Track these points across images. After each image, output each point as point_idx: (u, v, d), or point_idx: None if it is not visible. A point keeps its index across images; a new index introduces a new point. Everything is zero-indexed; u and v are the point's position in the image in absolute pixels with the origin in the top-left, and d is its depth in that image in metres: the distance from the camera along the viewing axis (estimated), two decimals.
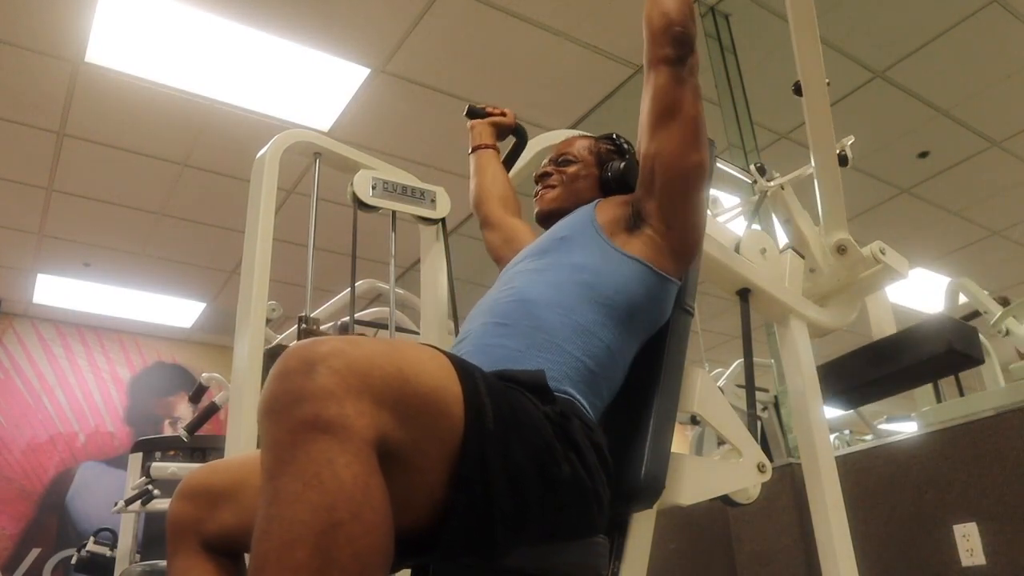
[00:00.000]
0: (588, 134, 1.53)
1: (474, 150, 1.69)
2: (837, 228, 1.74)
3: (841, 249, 1.72)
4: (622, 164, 1.40)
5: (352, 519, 0.66)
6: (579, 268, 1.17)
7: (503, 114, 1.73)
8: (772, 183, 1.81)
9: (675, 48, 1.19)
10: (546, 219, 1.41)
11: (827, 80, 1.62)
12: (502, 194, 1.60)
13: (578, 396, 1.06)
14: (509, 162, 1.74)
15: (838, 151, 1.72)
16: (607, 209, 1.28)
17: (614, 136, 1.49)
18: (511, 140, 1.76)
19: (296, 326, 1.69)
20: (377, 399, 0.72)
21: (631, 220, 1.23)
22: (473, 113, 1.72)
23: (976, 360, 1.72)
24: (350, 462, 0.67)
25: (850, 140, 1.77)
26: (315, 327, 1.71)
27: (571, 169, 1.42)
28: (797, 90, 1.64)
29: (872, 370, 1.79)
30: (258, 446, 0.73)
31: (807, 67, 1.61)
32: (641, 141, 1.24)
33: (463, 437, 0.80)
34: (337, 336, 0.78)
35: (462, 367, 0.84)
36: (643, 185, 1.23)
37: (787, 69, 1.56)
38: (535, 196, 1.46)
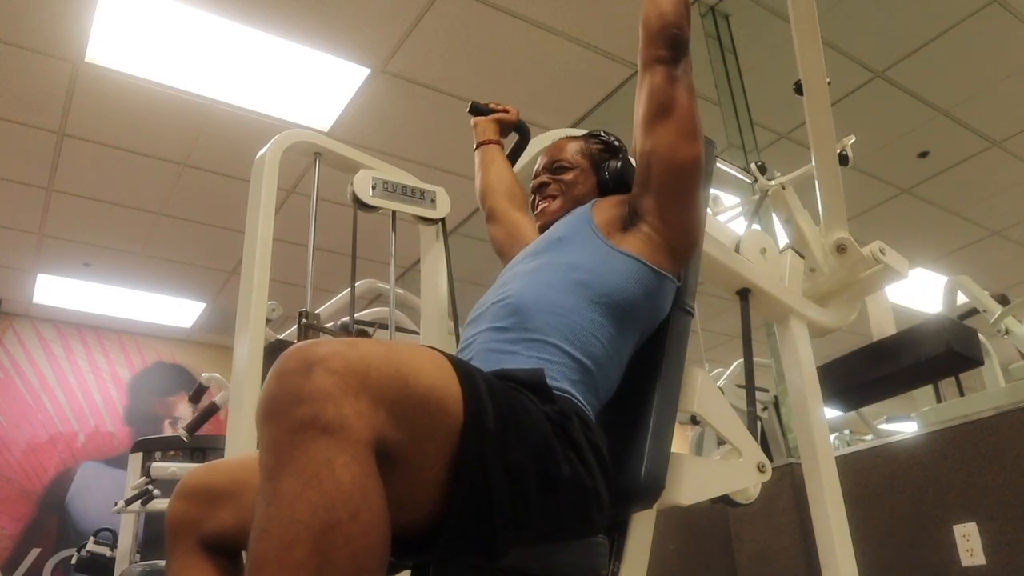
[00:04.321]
0: (578, 134, 1.51)
1: (479, 146, 1.68)
2: (837, 227, 1.74)
3: (841, 248, 1.72)
4: (619, 164, 1.39)
5: (350, 519, 0.66)
6: (574, 267, 1.17)
7: (506, 111, 1.72)
8: (773, 182, 1.81)
9: (669, 49, 1.21)
10: None
11: (828, 79, 1.62)
12: (508, 189, 1.59)
13: (576, 395, 1.06)
14: (512, 159, 1.74)
15: (839, 150, 1.71)
16: (604, 208, 1.28)
17: (602, 134, 1.47)
18: (514, 138, 1.76)
19: (297, 322, 1.69)
20: (375, 400, 0.72)
21: (628, 218, 1.23)
22: (477, 110, 1.72)
23: (976, 362, 1.72)
24: (348, 463, 0.68)
25: (851, 140, 1.76)
26: (316, 322, 1.70)
27: (568, 176, 1.41)
28: (798, 89, 1.63)
29: (871, 371, 1.78)
30: (258, 446, 0.73)
31: (808, 65, 1.61)
32: (637, 139, 1.24)
33: (462, 436, 0.80)
34: (335, 338, 0.78)
35: (462, 367, 0.84)
36: (639, 183, 1.23)
37: (787, 69, 1.56)
38: (534, 208, 1.45)
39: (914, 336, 1.74)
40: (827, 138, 1.67)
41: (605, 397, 1.13)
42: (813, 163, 1.72)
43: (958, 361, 1.68)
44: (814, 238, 1.77)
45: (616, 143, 1.46)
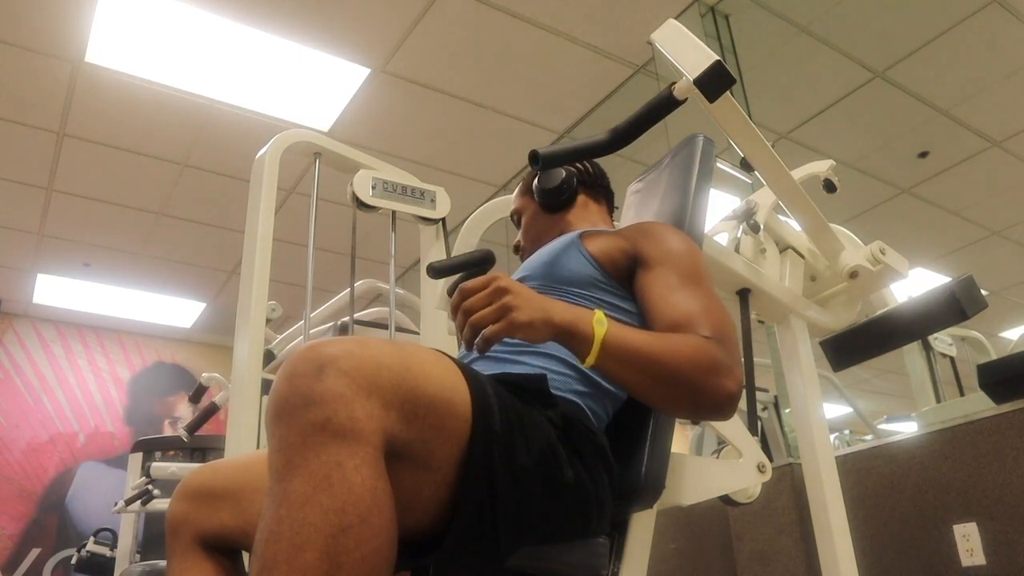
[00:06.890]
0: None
1: None
2: (837, 255, 1.71)
3: (854, 275, 1.69)
4: (535, 183, 1.35)
5: (361, 523, 0.66)
6: (569, 282, 1.14)
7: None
8: (759, 216, 1.71)
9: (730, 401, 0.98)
10: None
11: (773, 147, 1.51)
12: None
13: (580, 401, 1.05)
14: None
15: (822, 177, 1.69)
16: (597, 242, 1.19)
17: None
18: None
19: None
20: (386, 401, 0.72)
21: (627, 271, 1.15)
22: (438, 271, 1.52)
23: (978, 304, 1.69)
24: (359, 466, 0.68)
25: (830, 164, 1.74)
26: None
27: (524, 222, 1.40)
28: (746, 166, 1.51)
29: (880, 329, 1.78)
30: (257, 447, 0.73)
31: (749, 150, 1.40)
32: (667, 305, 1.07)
33: (470, 439, 0.80)
34: (345, 337, 0.78)
35: (468, 370, 0.85)
36: (649, 283, 1.11)
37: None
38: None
39: (916, 299, 1.76)
40: (798, 198, 1.57)
41: (613, 409, 1.12)
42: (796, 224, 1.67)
43: (961, 305, 1.66)
44: (811, 255, 1.75)
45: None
